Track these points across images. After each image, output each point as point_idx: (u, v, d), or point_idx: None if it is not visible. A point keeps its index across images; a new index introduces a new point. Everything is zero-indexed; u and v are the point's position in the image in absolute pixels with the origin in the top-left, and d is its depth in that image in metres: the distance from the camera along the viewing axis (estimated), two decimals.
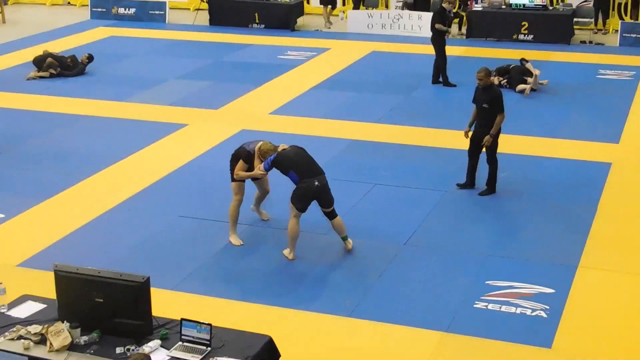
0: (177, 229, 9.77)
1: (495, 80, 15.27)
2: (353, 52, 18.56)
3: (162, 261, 9.04)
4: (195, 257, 9.11)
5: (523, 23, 19.30)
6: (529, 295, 8.21)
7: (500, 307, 8.01)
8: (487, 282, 8.46)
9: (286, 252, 9.09)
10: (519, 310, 7.95)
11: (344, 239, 9.20)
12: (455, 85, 15.57)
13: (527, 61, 15.56)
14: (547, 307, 7.98)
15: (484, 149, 10.58)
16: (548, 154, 12.12)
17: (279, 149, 9.02)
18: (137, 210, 10.39)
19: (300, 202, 8.84)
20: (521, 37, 19.38)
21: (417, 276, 8.65)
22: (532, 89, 15.07)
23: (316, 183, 8.79)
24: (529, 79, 15.18)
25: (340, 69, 17.08)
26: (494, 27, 19.59)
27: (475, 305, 8.05)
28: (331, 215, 9.08)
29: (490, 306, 8.04)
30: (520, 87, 15.17)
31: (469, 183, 10.85)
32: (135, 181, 11.26)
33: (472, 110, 10.71)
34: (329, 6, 21.62)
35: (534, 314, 7.90)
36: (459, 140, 11.39)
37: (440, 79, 15.78)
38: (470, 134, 10.75)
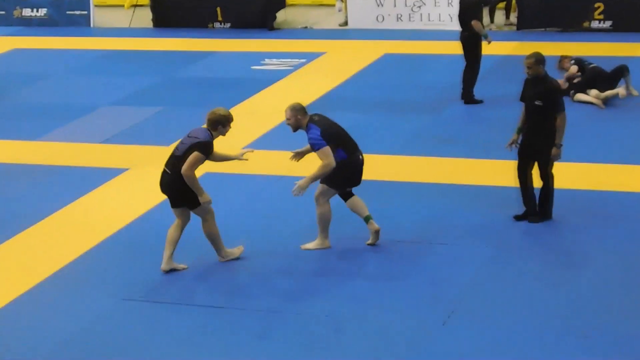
0: (122, 315, 9.86)
1: (574, 69, 15.61)
2: (358, 56, 18.77)
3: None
4: (149, 350, 9.17)
5: (597, 5, 19.59)
6: None
7: None
8: None
9: (314, 244, 10.76)
10: None
11: (367, 219, 10.71)
12: (482, 102, 15.91)
13: (628, 72, 15.84)
14: None
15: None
16: (632, 188, 12.37)
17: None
18: (66, 290, 10.47)
19: (348, 183, 10.55)
20: (595, 24, 19.68)
21: None
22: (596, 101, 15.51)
23: (360, 157, 10.57)
24: (592, 92, 15.55)
25: (341, 82, 17.31)
26: (555, 12, 19.88)
27: None
28: (349, 194, 10.69)
29: None
30: (581, 97, 15.57)
31: (531, 212, 11.21)
32: (62, 249, 11.37)
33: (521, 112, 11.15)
34: None
35: None
36: (511, 174, 11.68)
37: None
38: (515, 143, 11.12)
